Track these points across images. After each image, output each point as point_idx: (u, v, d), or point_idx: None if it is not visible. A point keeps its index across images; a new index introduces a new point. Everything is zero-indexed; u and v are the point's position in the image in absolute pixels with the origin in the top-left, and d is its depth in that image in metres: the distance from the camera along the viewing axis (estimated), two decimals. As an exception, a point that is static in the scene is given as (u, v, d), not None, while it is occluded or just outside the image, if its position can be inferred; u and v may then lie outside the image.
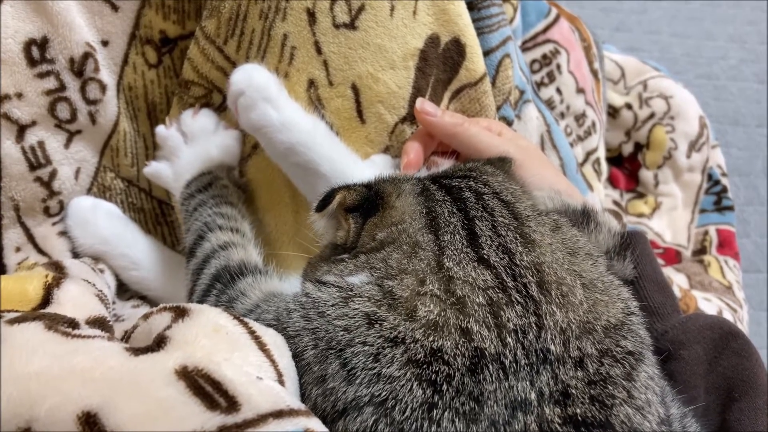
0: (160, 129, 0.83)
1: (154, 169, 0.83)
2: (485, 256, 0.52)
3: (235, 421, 0.41)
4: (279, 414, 0.43)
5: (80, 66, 0.78)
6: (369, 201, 0.58)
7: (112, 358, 0.44)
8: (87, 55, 0.78)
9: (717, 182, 1.57)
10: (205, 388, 0.42)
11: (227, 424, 0.40)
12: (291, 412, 0.43)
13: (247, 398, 0.43)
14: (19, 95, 0.74)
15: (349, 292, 0.52)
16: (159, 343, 0.47)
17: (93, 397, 0.40)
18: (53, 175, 0.79)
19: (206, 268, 0.69)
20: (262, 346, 0.50)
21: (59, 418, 0.39)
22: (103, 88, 0.81)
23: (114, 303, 0.78)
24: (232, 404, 0.42)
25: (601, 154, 1.34)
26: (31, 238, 0.79)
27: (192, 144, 0.82)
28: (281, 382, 0.48)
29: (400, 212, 0.57)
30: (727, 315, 1.27)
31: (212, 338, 0.48)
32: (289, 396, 0.46)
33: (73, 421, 0.39)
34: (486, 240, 0.53)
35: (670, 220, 1.52)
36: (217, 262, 0.69)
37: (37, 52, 0.74)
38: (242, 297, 0.62)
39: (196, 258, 0.71)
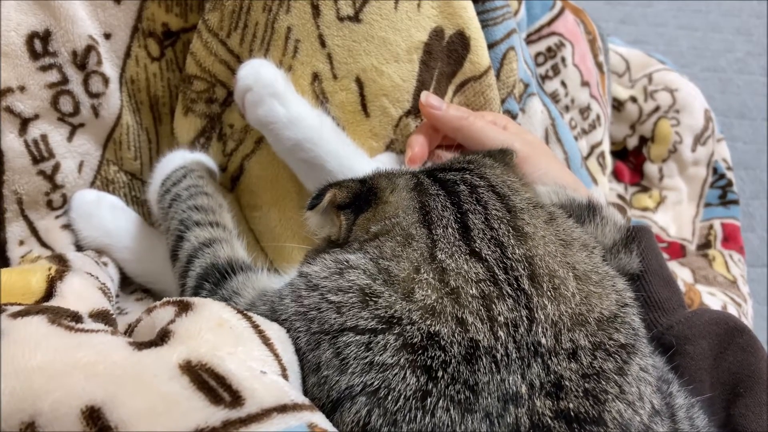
0: None
1: (147, 193, 0.83)
2: (477, 249, 0.52)
3: (239, 416, 0.41)
4: (283, 408, 0.43)
5: (83, 59, 0.77)
6: (360, 197, 0.58)
7: (115, 353, 0.44)
8: (90, 48, 0.77)
9: (722, 176, 1.56)
10: (209, 382, 0.42)
11: (231, 418, 0.40)
12: (295, 407, 0.43)
13: (251, 393, 0.43)
14: (22, 88, 0.73)
15: (345, 263, 0.52)
16: (163, 337, 0.47)
17: (97, 391, 0.40)
18: (56, 168, 0.79)
19: (191, 269, 0.68)
20: (265, 340, 0.50)
21: (63, 413, 0.39)
22: (105, 81, 0.80)
23: (117, 296, 0.78)
24: (236, 399, 0.42)
25: (606, 147, 1.33)
26: (34, 232, 0.79)
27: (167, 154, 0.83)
28: (285, 376, 0.48)
29: (393, 207, 0.57)
30: (732, 309, 1.27)
31: (216, 332, 0.48)
32: (293, 390, 0.46)
33: (77, 415, 0.39)
34: (478, 233, 0.53)
35: (674, 214, 1.52)
36: (202, 261, 0.68)
37: (39, 45, 0.74)
38: (236, 296, 0.62)
39: (180, 261, 0.70)
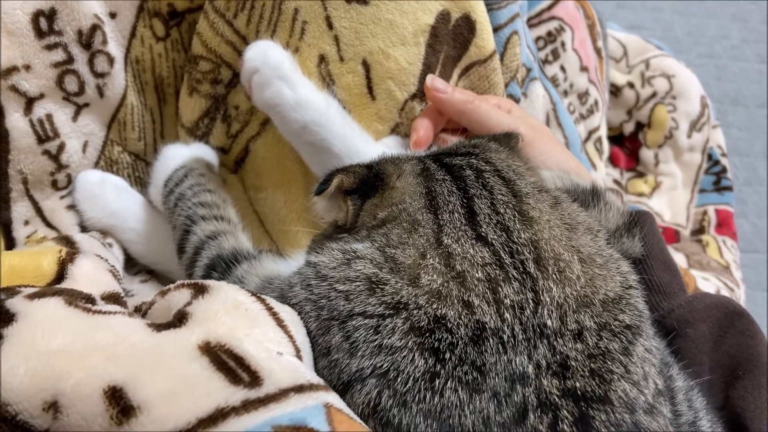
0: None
1: (148, 194, 0.83)
2: (483, 234, 0.52)
3: (257, 396, 0.41)
4: (300, 389, 0.43)
5: (88, 38, 0.77)
6: (368, 182, 0.59)
7: (134, 334, 0.44)
8: (95, 27, 0.77)
9: (717, 162, 1.58)
10: (228, 363, 0.43)
11: (250, 398, 0.41)
12: (311, 387, 0.44)
13: (269, 373, 0.43)
14: (27, 67, 0.73)
15: (352, 254, 0.53)
16: (180, 319, 0.47)
17: (118, 372, 0.40)
18: (61, 148, 0.78)
19: (198, 260, 0.69)
20: (279, 322, 0.50)
21: (86, 393, 0.39)
22: (110, 60, 0.80)
23: (123, 277, 0.78)
24: (254, 379, 0.42)
25: (603, 132, 1.34)
26: (39, 212, 0.79)
27: (162, 151, 0.83)
28: (299, 357, 0.49)
29: (400, 192, 0.57)
30: (725, 294, 1.28)
31: (232, 314, 0.48)
32: (308, 371, 0.46)
33: (100, 395, 0.39)
34: (484, 218, 0.54)
35: (669, 200, 1.53)
36: (208, 252, 0.69)
37: (45, 23, 0.73)
38: (240, 285, 0.62)
39: (187, 253, 0.71)
